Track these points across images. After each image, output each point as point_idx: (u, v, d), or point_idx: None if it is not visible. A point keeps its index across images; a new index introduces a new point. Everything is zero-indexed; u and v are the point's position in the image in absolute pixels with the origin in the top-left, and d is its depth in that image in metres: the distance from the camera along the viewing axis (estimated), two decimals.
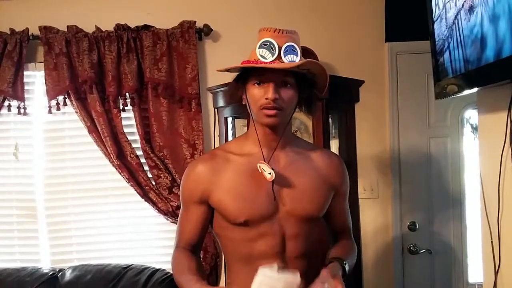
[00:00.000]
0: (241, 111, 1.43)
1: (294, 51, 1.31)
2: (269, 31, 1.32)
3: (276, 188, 1.37)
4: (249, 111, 1.40)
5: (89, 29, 2.44)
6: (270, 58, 1.29)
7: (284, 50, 1.30)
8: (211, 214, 1.44)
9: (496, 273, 1.51)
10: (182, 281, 1.33)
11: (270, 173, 1.33)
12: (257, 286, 1.18)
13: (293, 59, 1.30)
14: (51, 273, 2.39)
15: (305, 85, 1.37)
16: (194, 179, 1.41)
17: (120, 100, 2.46)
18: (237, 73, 1.39)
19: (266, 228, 1.35)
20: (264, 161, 1.37)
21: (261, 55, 1.29)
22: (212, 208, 1.42)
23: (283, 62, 1.29)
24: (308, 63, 1.31)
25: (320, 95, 1.46)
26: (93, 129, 2.44)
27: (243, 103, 1.41)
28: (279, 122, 1.36)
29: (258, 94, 1.33)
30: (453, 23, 1.48)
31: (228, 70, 1.37)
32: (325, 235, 1.57)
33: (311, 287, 1.25)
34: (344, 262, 1.38)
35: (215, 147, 2.40)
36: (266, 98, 1.30)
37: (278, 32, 1.31)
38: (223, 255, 1.52)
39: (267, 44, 1.29)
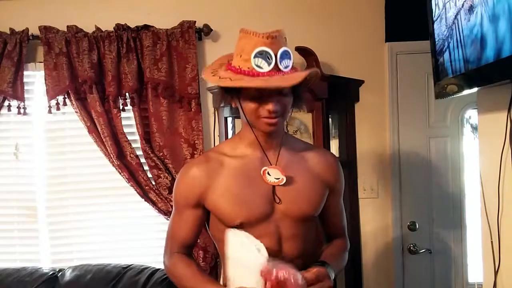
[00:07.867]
0: None
1: (287, 55, 1.28)
2: (260, 37, 1.25)
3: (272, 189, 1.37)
4: (241, 115, 1.37)
5: (89, 29, 2.44)
6: (266, 68, 1.25)
7: (280, 57, 1.26)
8: (206, 216, 1.44)
9: (496, 273, 1.51)
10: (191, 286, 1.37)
11: (278, 178, 1.35)
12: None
13: (288, 64, 1.28)
14: (51, 273, 2.39)
15: (297, 86, 1.33)
16: (190, 182, 1.40)
17: (120, 100, 2.45)
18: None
19: (262, 230, 1.34)
20: (275, 166, 1.37)
21: (256, 65, 1.25)
22: (207, 211, 1.42)
23: (280, 70, 1.26)
24: (309, 73, 1.29)
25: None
26: (93, 129, 2.44)
27: (234, 106, 1.39)
28: (278, 128, 1.36)
29: (257, 106, 1.30)
30: (453, 23, 1.48)
31: (222, 87, 1.33)
32: (320, 235, 1.57)
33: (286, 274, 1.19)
34: (330, 268, 1.35)
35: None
36: (267, 110, 1.28)
37: (272, 38, 1.25)
38: (220, 257, 1.52)
39: (262, 54, 1.24)
